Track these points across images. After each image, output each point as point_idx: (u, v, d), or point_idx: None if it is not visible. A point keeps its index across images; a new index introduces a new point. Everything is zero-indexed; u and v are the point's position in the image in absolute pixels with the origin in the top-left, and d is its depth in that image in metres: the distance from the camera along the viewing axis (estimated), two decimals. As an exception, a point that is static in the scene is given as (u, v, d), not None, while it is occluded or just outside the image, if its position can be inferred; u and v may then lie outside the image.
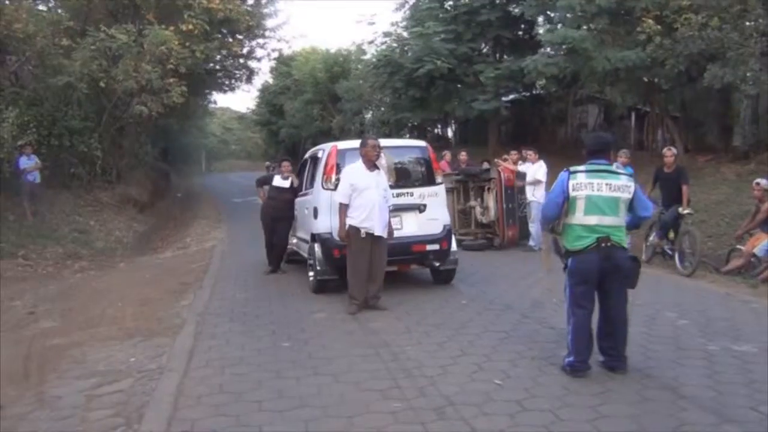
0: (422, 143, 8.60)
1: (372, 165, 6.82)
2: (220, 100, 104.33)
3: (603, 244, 4.53)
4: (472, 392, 4.40)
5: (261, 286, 8.58)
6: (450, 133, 31.72)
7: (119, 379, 5.13)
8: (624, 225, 4.67)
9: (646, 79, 17.16)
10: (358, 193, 6.70)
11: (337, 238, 7.14)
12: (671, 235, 9.24)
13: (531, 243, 10.96)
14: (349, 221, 6.75)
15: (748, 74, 13.91)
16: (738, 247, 9.33)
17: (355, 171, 6.83)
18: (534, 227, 10.98)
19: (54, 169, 15.41)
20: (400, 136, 26.16)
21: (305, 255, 8.49)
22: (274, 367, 5.09)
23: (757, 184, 9.10)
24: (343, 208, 6.78)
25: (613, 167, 4.79)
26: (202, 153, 60.58)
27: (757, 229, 9.02)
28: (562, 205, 4.69)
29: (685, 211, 9.02)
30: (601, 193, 4.55)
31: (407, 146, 8.79)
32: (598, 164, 4.69)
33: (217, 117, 62.34)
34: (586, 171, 4.66)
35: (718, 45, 13.08)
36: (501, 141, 25.73)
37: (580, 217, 4.60)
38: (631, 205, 4.68)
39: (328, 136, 33.65)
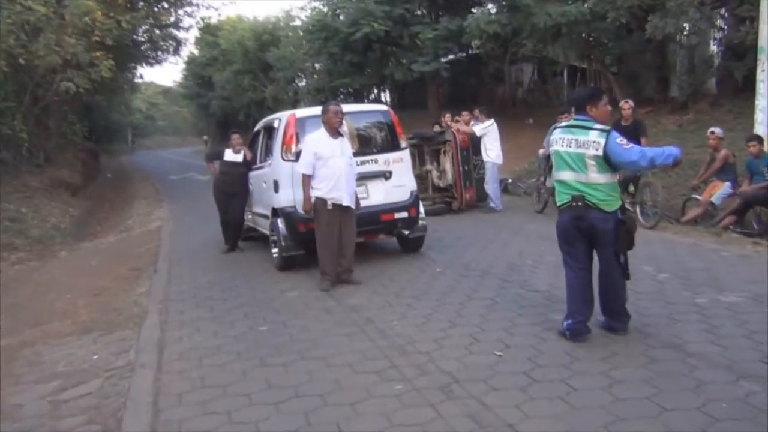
0: (384, 107, 8.31)
1: (335, 132, 6.45)
2: (145, 74, 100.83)
3: (575, 203, 4.39)
4: (474, 367, 4.17)
5: (221, 266, 8.12)
6: (387, 97, 31.32)
7: (85, 380, 4.67)
8: (607, 184, 4.37)
9: (584, 35, 17.15)
10: (323, 162, 6.33)
11: (302, 212, 6.81)
12: (631, 188, 9.22)
13: (491, 204, 10.83)
14: (314, 193, 6.39)
15: (686, 24, 14.10)
16: (694, 196, 9.40)
17: (318, 139, 6.44)
18: (491, 188, 10.86)
19: (-24, 156, 14.35)
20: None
21: (265, 231, 8.10)
22: (256, 354, 4.74)
23: (712, 133, 9.16)
24: (307, 179, 6.41)
25: (590, 122, 4.45)
26: (128, 130, 58.49)
27: (713, 178, 9.10)
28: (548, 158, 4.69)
29: (645, 164, 8.97)
30: (569, 149, 4.41)
31: (369, 111, 8.40)
32: (576, 119, 4.57)
33: (141, 92, 60.09)
34: (563, 127, 4.62)
35: (658, -5, 13.12)
36: (440, 103, 25.57)
37: (555, 172, 4.59)
38: (610, 162, 4.32)
39: (262, 106, 32.87)
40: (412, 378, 4.06)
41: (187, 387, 4.25)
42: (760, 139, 8.59)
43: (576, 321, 4.52)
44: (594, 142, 4.32)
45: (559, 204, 4.58)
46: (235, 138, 8.90)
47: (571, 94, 5.74)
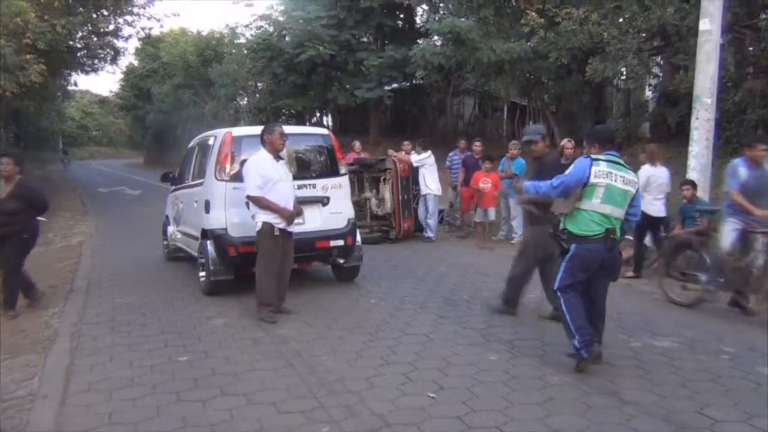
0: (324, 131, 8.05)
1: (277, 155, 6.16)
2: (80, 82, 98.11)
3: (611, 236, 4.56)
4: (407, 409, 3.95)
5: (143, 288, 7.63)
6: (329, 121, 31.15)
7: (-21, 411, 4.24)
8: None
9: (526, 73, 17.44)
10: (271, 186, 5.98)
11: (233, 234, 6.53)
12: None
13: (429, 234, 10.72)
14: (261, 217, 6.00)
15: (623, 69, 14.49)
16: (627, 237, 9.48)
17: (263, 161, 6.05)
18: (432, 219, 10.77)
19: None
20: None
21: (193, 252, 7.71)
22: (173, 388, 4.38)
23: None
24: (263, 200, 5.95)
25: (622, 160, 4.75)
26: (59, 139, 56.40)
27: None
28: (575, 188, 4.57)
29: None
30: (617, 185, 4.56)
31: (309, 134, 8.14)
32: (613, 155, 4.68)
33: (76, 100, 58.24)
34: (606, 161, 4.62)
35: (599, 39, 13.42)
36: (382, 130, 25.59)
37: (596, 204, 4.57)
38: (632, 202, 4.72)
39: (201, 122, 32.15)
40: (340, 420, 3.81)
41: (92, 423, 3.86)
42: (693, 184, 8.73)
43: (584, 339, 4.52)
44: (634, 181, 4.69)
45: (587, 234, 4.57)
46: (5, 161, 6.74)
47: (610, 130, 5.65)
